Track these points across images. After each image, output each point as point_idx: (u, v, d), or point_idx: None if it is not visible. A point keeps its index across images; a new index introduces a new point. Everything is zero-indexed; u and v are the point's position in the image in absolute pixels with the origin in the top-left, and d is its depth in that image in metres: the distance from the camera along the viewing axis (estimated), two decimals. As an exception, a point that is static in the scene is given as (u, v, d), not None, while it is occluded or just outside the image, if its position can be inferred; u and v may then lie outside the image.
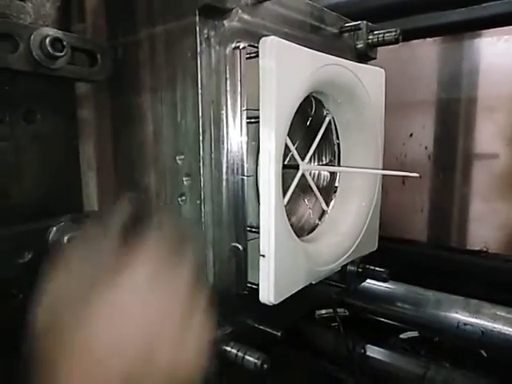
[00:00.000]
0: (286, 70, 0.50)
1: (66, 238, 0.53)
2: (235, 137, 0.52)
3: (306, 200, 0.76)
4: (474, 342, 0.82)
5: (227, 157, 0.52)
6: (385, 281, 0.81)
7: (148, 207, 0.56)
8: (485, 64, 1.23)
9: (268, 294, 0.52)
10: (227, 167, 0.52)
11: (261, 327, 0.58)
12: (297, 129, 0.70)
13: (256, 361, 0.49)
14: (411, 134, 1.33)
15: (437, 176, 1.32)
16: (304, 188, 0.73)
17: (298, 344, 1.10)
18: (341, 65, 0.59)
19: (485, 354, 1.02)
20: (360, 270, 0.81)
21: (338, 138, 0.70)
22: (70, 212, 0.59)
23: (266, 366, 0.49)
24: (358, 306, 1.00)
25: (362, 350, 1.01)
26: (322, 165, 0.71)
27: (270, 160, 0.50)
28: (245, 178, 0.54)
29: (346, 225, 0.69)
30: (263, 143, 0.50)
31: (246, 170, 0.53)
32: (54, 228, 0.54)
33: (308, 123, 0.72)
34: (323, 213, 0.74)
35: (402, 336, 1.14)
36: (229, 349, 0.52)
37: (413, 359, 0.97)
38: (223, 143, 0.52)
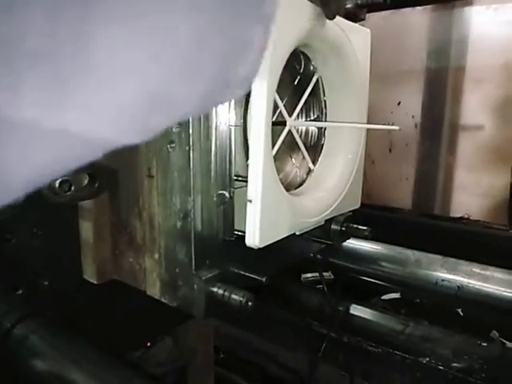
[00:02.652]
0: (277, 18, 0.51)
1: (57, 183, 0.54)
2: (223, 86, 0.54)
3: (293, 159, 0.78)
4: (450, 297, 0.87)
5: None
6: (366, 238, 0.84)
7: (138, 153, 0.58)
8: (474, 33, 1.25)
9: (254, 238, 0.55)
10: (216, 116, 0.54)
11: (247, 273, 0.61)
12: (285, 87, 0.72)
13: (241, 298, 0.52)
14: (399, 103, 1.35)
15: (423, 144, 1.35)
16: (292, 147, 0.75)
17: (283, 304, 1.14)
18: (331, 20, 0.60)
19: (461, 314, 1.08)
20: (343, 228, 0.84)
21: (325, 95, 0.71)
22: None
23: (250, 303, 0.52)
24: (343, 267, 1.04)
25: (346, 309, 1.06)
26: (309, 121, 0.73)
27: (260, 104, 0.52)
28: (232, 127, 0.56)
29: (331, 180, 0.71)
30: (255, 91, 0.52)
31: (233, 119, 0.55)
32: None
33: (296, 82, 0.74)
34: (309, 171, 0.77)
35: (383, 297, 1.18)
36: (215, 289, 0.54)
37: (393, 317, 1.02)
38: (212, 91, 0.53)
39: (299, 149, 0.72)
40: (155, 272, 0.59)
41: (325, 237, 0.81)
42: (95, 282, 0.65)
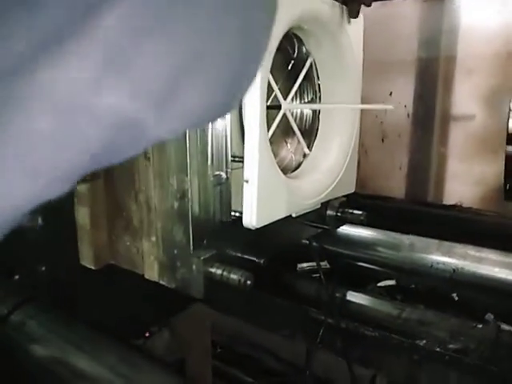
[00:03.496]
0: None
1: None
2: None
3: (288, 144, 0.79)
4: (446, 280, 0.87)
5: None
6: (362, 223, 0.84)
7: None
8: (464, 23, 1.26)
9: (251, 218, 0.55)
10: (211, 96, 0.54)
11: (245, 255, 0.61)
12: (279, 71, 0.72)
13: (240, 278, 0.52)
14: (391, 93, 1.36)
15: (415, 134, 1.35)
16: (287, 131, 0.76)
17: (280, 293, 1.14)
18: (326, 2, 0.61)
19: (456, 298, 1.09)
20: (339, 213, 0.85)
21: (318, 79, 0.72)
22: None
23: (249, 282, 0.52)
24: (338, 253, 1.04)
25: (342, 296, 1.06)
26: (304, 103, 0.73)
27: (255, 85, 0.52)
28: (228, 107, 0.56)
29: (327, 163, 0.72)
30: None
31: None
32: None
33: (290, 66, 0.74)
34: (305, 154, 0.77)
35: (379, 284, 1.19)
36: (214, 269, 0.55)
37: (389, 302, 1.02)
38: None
39: (294, 133, 0.72)
40: (153, 255, 0.59)
41: (320, 222, 0.81)
42: (92, 268, 0.64)
